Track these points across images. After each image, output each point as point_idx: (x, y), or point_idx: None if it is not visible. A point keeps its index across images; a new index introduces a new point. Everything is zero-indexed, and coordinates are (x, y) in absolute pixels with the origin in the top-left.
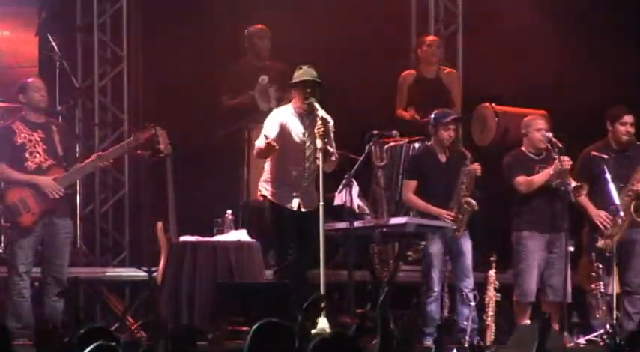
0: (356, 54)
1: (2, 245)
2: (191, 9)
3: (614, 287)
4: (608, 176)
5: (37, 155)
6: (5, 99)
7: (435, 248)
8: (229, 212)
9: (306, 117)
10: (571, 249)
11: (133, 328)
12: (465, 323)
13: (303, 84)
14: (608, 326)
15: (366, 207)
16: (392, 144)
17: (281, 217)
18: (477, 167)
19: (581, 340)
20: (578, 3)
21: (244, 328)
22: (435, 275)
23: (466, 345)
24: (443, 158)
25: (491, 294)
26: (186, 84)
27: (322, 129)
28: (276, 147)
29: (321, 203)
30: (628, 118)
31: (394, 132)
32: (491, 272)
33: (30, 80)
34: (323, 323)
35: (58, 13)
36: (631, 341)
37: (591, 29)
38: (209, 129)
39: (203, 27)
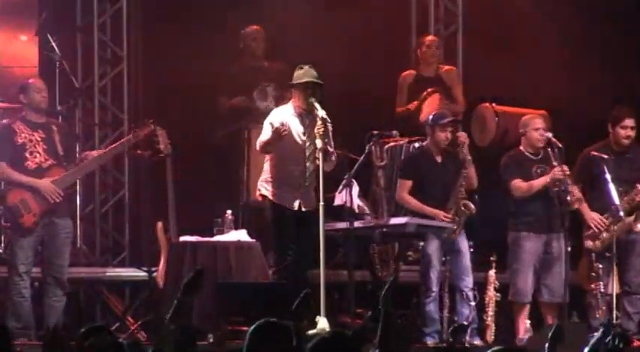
0: (356, 54)
1: (2, 245)
2: (191, 9)
3: (614, 287)
4: (608, 176)
5: (38, 155)
6: (5, 100)
7: (433, 248)
8: (229, 212)
9: (306, 117)
10: (567, 248)
11: (133, 328)
12: (465, 323)
13: (305, 85)
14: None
15: (366, 207)
16: (392, 144)
17: (282, 217)
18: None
19: None
20: (578, 3)
21: (244, 328)
22: (434, 275)
23: (467, 345)
24: (439, 159)
25: (491, 294)
26: (186, 84)
27: (322, 129)
28: (285, 133)
29: (321, 203)
30: (629, 122)
31: (394, 132)
32: (491, 272)
33: (31, 81)
34: (323, 323)
35: (58, 13)
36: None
37: (591, 29)
38: (209, 129)
39: (203, 27)
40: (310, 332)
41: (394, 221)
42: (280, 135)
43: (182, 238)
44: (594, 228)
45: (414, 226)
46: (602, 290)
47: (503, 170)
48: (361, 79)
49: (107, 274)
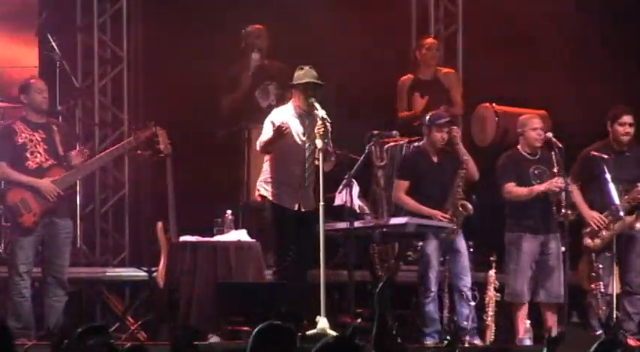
0: (356, 54)
1: (2, 245)
2: (191, 9)
3: (614, 287)
4: (608, 176)
5: (38, 155)
6: (5, 100)
7: (432, 248)
8: (229, 212)
9: (306, 117)
10: (562, 248)
11: (133, 328)
12: (465, 322)
13: (305, 85)
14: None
15: (366, 207)
16: (392, 144)
17: (282, 218)
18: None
19: None
20: (578, 3)
21: (244, 328)
22: (432, 275)
23: (467, 345)
24: (435, 159)
25: (491, 294)
26: (186, 84)
27: (322, 129)
28: (287, 131)
29: (321, 203)
30: (627, 119)
31: (394, 132)
32: (491, 272)
33: (32, 81)
34: (323, 323)
35: (58, 13)
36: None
37: (591, 29)
38: (209, 129)
39: (203, 27)
40: (310, 332)
41: (394, 221)
42: (281, 133)
43: (182, 238)
44: (594, 226)
45: (413, 226)
46: (603, 290)
47: (499, 171)
48: (361, 79)
49: (107, 274)
